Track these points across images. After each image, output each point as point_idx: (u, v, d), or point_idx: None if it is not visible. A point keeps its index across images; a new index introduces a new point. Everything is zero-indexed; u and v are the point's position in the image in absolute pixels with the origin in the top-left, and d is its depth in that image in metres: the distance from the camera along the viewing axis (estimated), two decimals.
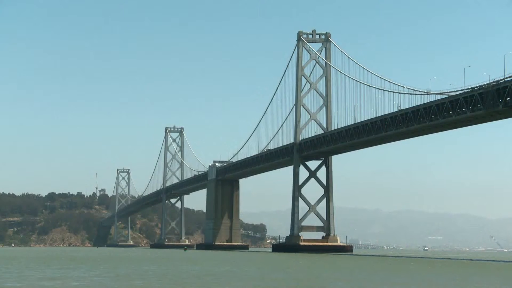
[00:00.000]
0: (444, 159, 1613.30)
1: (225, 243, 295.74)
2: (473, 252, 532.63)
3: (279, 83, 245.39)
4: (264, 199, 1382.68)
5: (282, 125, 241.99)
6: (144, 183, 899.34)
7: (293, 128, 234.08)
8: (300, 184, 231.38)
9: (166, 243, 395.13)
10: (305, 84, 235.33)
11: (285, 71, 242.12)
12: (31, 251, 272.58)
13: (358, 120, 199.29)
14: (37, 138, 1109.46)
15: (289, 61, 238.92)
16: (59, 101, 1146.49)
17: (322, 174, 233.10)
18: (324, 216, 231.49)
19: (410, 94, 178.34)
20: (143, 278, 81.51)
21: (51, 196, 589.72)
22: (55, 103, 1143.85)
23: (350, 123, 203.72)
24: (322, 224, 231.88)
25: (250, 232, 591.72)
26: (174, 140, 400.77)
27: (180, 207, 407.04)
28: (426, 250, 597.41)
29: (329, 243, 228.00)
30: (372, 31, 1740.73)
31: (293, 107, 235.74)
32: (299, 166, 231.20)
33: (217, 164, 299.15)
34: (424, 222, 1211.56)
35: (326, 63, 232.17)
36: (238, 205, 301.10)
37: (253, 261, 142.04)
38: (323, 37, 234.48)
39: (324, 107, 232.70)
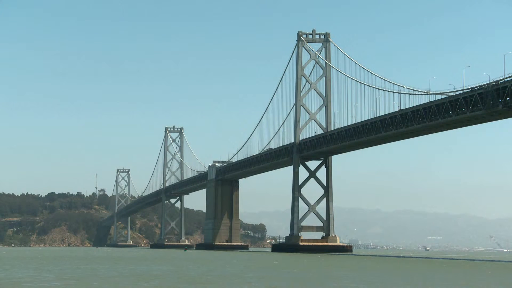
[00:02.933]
0: (444, 159, 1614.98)
1: (225, 243, 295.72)
2: (473, 252, 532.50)
3: (279, 83, 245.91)
4: (264, 199, 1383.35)
5: (282, 125, 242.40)
6: (143, 183, 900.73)
7: (292, 128, 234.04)
8: (299, 184, 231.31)
9: (166, 243, 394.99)
10: (305, 84, 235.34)
11: (284, 71, 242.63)
12: (45, 251, 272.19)
13: (357, 120, 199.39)
14: (37, 138, 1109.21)
15: (289, 61, 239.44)
16: (59, 101, 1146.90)
17: (321, 174, 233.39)
18: (324, 216, 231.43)
19: (409, 94, 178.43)
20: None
21: (51, 196, 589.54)
22: (55, 103, 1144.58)
23: (350, 123, 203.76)
24: (321, 224, 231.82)
25: (249, 232, 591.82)
26: (174, 140, 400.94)
27: (179, 207, 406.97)
28: (428, 250, 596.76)
29: (329, 243, 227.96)
30: (372, 31, 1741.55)
31: (292, 107, 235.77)
32: (299, 166, 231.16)
33: (216, 164, 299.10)
34: (424, 222, 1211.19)
35: (325, 63, 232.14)
36: (238, 205, 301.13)
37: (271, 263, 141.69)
38: (322, 37, 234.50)
39: (324, 107, 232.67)
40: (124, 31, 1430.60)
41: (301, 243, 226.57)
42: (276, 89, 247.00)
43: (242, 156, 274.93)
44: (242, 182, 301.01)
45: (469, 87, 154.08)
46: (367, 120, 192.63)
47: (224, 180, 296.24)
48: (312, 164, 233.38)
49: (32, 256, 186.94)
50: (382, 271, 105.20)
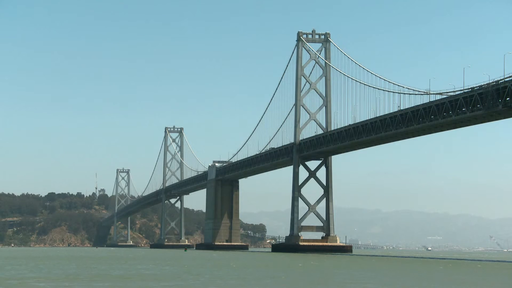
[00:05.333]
0: (444, 159, 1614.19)
1: (224, 243, 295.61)
2: (473, 252, 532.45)
3: (279, 83, 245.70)
4: (264, 199, 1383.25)
5: (282, 125, 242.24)
6: (143, 183, 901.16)
7: (292, 128, 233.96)
8: (299, 184, 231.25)
9: (165, 243, 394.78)
10: (305, 84, 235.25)
11: (284, 71, 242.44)
12: (49, 251, 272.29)
13: (357, 120, 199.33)
14: (37, 138, 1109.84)
15: (289, 61, 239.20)
16: (59, 101, 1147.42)
17: (321, 174, 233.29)
18: (324, 216, 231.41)
19: (409, 94, 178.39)
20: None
21: (51, 196, 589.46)
22: (55, 103, 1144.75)
23: (350, 123, 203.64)
24: (321, 224, 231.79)
25: (249, 232, 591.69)
26: (173, 140, 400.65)
27: (179, 207, 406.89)
28: (429, 250, 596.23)
29: (329, 243, 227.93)
30: (372, 31, 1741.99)
31: (292, 107, 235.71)
32: (299, 166, 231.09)
33: (216, 164, 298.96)
34: (424, 222, 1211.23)
35: (325, 63, 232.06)
36: (238, 205, 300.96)
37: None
38: (322, 37, 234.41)
39: (324, 107, 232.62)
40: (124, 31, 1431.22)
41: (301, 243, 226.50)
42: (276, 89, 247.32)
43: (242, 156, 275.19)
44: (242, 182, 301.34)
45: (469, 87, 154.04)
46: (367, 120, 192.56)
47: (224, 180, 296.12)
48: (312, 164, 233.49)
49: (51, 256, 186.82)
50: (398, 271, 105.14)
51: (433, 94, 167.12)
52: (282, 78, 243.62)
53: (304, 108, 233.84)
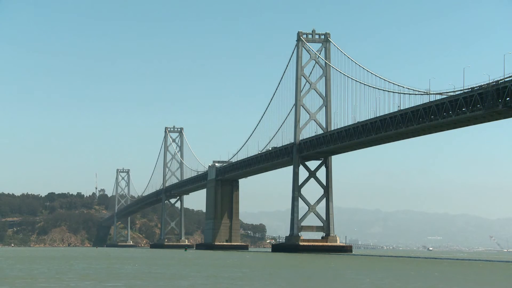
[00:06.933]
0: (444, 159, 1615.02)
1: (224, 243, 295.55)
2: (473, 252, 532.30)
3: (279, 83, 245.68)
4: (264, 199, 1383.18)
5: (282, 125, 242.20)
6: (143, 183, 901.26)
7: (292, 128, 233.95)
8: (299, 184, 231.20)
9: (165, 243, 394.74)
10: (305, 84, 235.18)
11: (284, 71, 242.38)
12: (52, 251, 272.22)
13: (357, 120, 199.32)
14: (37, 138, 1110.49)
15: (289, 61, 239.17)
16: (59, 101, 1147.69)
17: (321, 174, 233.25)
18: (324, 216, 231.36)
19: (409, 94, 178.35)
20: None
21: (51, 196, 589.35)
22: (55, 103, 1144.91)
23: (350, 123, 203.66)
24: (321, 224, 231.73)
25: (249, 232, 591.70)
26: (173, 140, 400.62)
27: (179, 207, 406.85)
28: (430, 250, 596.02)
29: (329, 243, 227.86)
30: (372, 31, 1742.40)
31: (292, 107, 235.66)
32: (299, 166, 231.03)
33: (216, 164, 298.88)
34: (424, 222, 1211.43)
35: (325, 63, 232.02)
36: (238, 205, 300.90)
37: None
38: (322, 37, 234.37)
39: (324, 107, 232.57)
40: (124, 31, 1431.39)
41: (301, 243, 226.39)
42: (276, 89, 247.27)
43: (242, 156, 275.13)
44: (242, 182, 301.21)
45: (469, 87, 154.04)
46: (367, 120, 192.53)
47: (224, 180, 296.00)
48: (312, 164, 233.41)
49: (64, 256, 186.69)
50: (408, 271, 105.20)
51: (433, 94, 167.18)
52: (282, 78, 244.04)
53: (304, 108, 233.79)
